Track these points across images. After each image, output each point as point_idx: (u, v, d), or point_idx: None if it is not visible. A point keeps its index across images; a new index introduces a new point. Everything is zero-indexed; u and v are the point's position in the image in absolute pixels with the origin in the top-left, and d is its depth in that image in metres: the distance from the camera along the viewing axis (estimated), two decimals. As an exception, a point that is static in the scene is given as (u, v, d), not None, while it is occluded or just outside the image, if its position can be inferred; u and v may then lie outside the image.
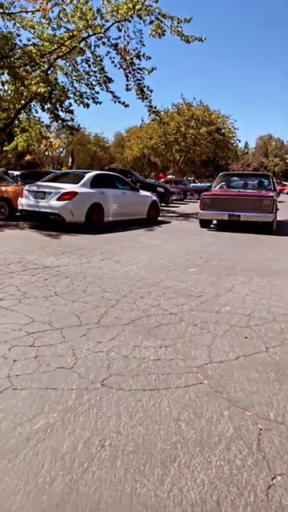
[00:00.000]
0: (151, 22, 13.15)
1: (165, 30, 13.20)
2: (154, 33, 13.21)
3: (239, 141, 44.30)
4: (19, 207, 9.92)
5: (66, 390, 2.21)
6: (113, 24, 13.27)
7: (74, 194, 9.17)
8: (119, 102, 14.67)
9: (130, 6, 12.30)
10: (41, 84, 11.88)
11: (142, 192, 12.13)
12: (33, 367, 2.46)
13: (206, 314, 3.60)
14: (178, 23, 13.24)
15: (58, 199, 9.08)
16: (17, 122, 15.99)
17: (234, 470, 1.65)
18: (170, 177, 36.49)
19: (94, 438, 1.82)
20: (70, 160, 27.70)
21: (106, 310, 3.61)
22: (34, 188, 9.68)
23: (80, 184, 9.58)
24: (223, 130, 37.80)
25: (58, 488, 1.53)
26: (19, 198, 9.95)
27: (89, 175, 10.09)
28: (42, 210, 9.27)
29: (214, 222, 11.04)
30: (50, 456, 1.70)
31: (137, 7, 12.28)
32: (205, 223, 10.95)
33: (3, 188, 11.39)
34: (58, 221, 9.22)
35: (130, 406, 2.08)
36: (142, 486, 1.55)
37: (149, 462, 1.69)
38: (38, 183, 10.12)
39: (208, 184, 29.78)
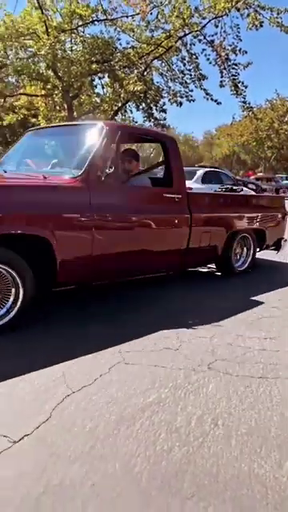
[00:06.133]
0: (248, 15, 12.80)
1: (262, 22, 12.75)
2: (250, 25, 12.84)
3: None
4: None
5: (175, 369, 2.26)
6: (209, 21, 13.13)
7: (189, 189, 9.70)
8: (211, 99, 14.46)
9: None
10: (138, 83, 12.25)
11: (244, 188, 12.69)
12: (141, 345, 2.56)
13: (312, 311, 3.42)
14: (278, 14, 12.70)
15: None
16: (113, 122, 16.69)
17: None
18: (260, 174, 35.09)
19: (206, 416, 1.84)
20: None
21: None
22: None
23: (193, 180, 10.39)
24: None
25: (176, 457, 1.58)
26: None
27: (200, 172, 11.30)
28: None
29: None
30: (165, 427, 1.76)
31: None
32: None
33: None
34: None
35: (239, 391, 2.07)
36: (259, 467, 1.53)
37: (264, 444, 1.66)
38: None
39: None
